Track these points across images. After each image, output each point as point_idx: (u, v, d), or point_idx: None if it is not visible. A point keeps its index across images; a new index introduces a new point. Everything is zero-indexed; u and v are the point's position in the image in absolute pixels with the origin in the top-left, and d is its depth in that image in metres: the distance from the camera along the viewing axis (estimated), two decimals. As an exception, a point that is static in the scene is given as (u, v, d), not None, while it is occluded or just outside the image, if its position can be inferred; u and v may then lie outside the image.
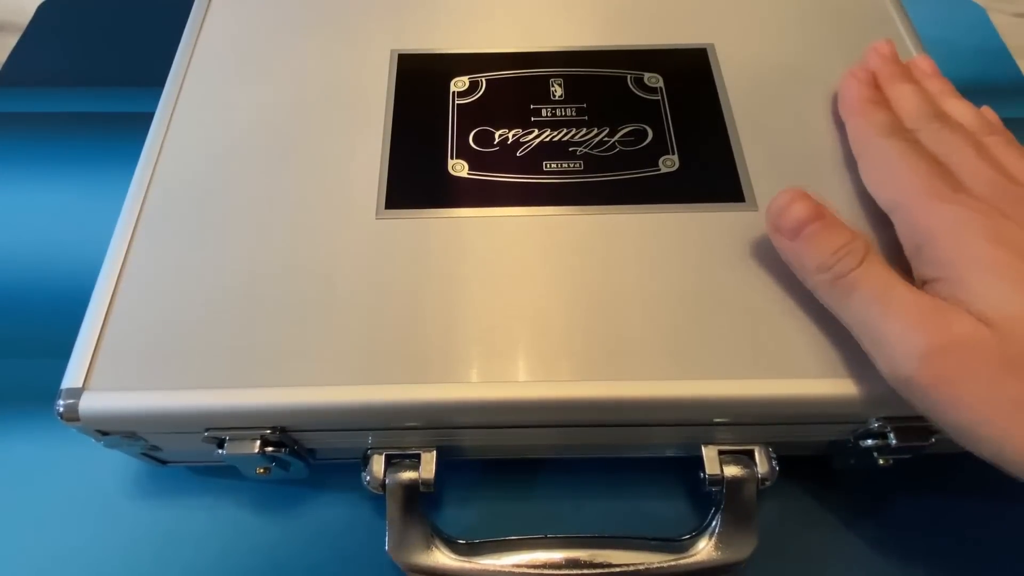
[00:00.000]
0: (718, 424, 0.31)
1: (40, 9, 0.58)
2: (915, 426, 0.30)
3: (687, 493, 0.36)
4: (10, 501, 0.36)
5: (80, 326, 0.31)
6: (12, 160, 0.49)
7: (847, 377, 0.29)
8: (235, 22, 0.42)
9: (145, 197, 0.35)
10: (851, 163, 0.35)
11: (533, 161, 0.36)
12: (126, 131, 0.49)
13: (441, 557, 0.31)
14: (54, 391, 0.30)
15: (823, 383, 0.29)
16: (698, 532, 0.32)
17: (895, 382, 0.27)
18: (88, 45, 0.56)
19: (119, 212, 0.35)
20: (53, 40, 0.56)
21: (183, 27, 0.42)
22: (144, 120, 0.38)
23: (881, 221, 0.32)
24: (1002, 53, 0.54)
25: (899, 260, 0.30)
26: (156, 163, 0.36)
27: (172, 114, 0.38)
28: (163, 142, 0.37)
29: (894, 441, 0.30)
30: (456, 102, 0.39)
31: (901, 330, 0.26)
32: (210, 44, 0.41)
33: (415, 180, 0.36)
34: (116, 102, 0.52)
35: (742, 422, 0.31)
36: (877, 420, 0.30)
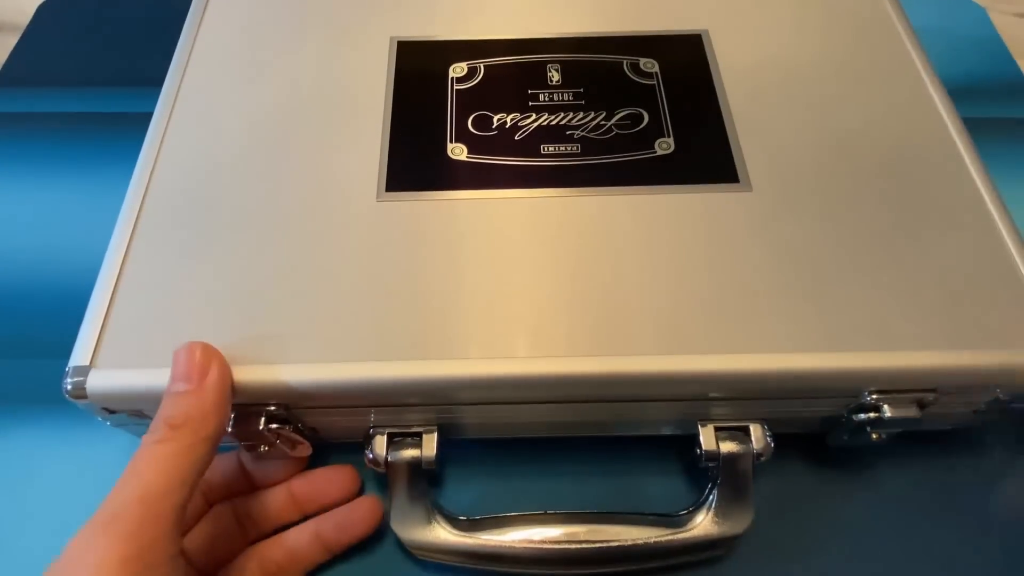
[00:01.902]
0: (714, 399, 0.32)
1: (40, 9, 0.58)
2: (907, 398, 0.31)
3: (684, 471, 0.36)
4: (10, 501, 0.36)
5: (80, 326, 0.31)
6: (12, 160, 0.49)
7: (840, 351, 0.30)
8: (234, 15, 0.43)
9: (152, 172, 0.35)
10: (842, 146, 0.36)
11: (531, 144, 0.37)
12: (126, 131, 0.49)
13: (443, 533, 0.32)
14: (54, 391, 0.30)
15: (816, 357, 0.30)
16: (695, 507, 0.33)
17: None
18: (88, 45, 0.56)
19: (119, 210, 0.35)
20: (53, 40, 0.56)
21: (182, 27, 0.42)
22: (144, 120, 0.38)
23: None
24: (1002, 53, 0.54)
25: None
26: (160, 145, 0.37)
27: (175, 99, 0.39)
28: (167, 124, 0.37)
29: (887, 414, 0.31)
30: (455, 87, 0.39)
31: None
32: (210, 33, 0.42)
33: (415, 163, 0.36)
34: (116, 102, 0.52)
35: (737, 396, 0.32)
36: (870, 393, 0.31)
